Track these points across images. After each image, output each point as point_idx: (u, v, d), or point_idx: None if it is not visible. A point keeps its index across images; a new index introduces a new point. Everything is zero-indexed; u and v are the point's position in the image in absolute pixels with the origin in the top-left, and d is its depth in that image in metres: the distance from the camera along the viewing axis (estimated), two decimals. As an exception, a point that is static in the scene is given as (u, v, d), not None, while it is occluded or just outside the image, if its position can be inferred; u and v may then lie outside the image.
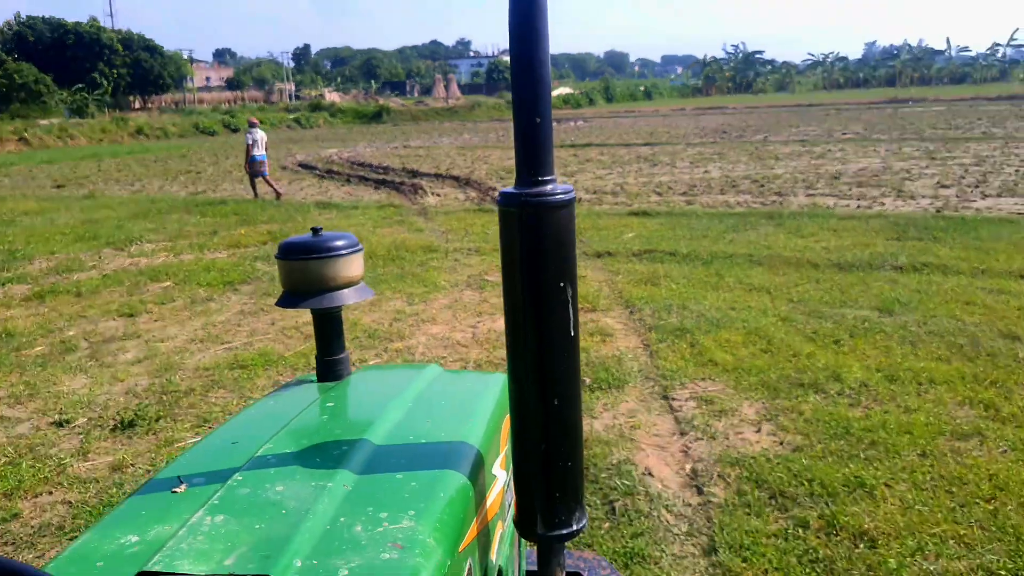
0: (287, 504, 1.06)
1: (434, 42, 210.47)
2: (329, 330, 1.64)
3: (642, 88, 79.28)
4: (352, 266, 1.55)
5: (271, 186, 14.73)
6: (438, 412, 1.49)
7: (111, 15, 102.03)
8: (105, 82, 60.52)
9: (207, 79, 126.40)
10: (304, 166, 20.73)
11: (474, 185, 15.23)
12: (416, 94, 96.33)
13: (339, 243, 1.54)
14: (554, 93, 69.59)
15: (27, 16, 62.19)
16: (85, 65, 59.62)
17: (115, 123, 39.06)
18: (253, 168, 14.64)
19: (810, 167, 15.56)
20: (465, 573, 1.13)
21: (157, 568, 0.90)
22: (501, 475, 1.45)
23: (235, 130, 43.31)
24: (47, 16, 61.85)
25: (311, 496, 1.08)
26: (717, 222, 9.77)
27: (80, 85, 54.61)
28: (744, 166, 16.28)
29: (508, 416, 1.27)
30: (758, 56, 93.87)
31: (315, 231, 1.55)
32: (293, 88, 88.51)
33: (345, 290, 1.55)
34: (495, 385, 1.66)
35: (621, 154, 20.64)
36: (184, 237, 10.60)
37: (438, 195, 14.14)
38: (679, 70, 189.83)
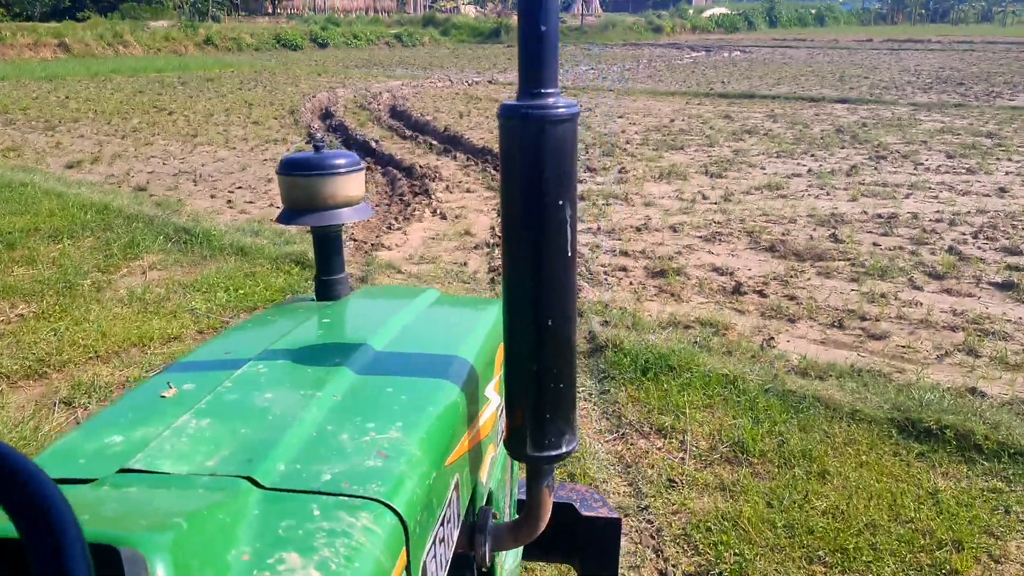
0: (274, 411, 1.06)
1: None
2: (328, 249, 1.60)
3: (813, 11, 66.56)
4: (353, 184, 1.52)
5: None
6: (434, 331, 1.49)
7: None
8: (234, -17, 57.35)
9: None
10: (325, 114, 13.85)
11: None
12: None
13: (340, 161, 1.50)
14: (705, 13, 59.30)
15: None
16: (213, -36, 56.15)
17: (183, 30, 33.35)
18: None
19: None
20: (452, 487, 1.13)
21: (138, 466, 0.91)
22: (495, 398, 1.43)
23: (323, 44, 36.96)
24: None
25: (299, 405, 1.08)
26: None
27: (203, -15, 51.24)
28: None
29: None
30: (958, -21, 77.99)
31: (317, 148, 1.50)
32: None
33: (345, 209, 1.52)
34: (492, 309, 1.62)
35: (805, 117, 12.68)
36: None
37: (447, 209, 7.03)
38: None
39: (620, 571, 1.91)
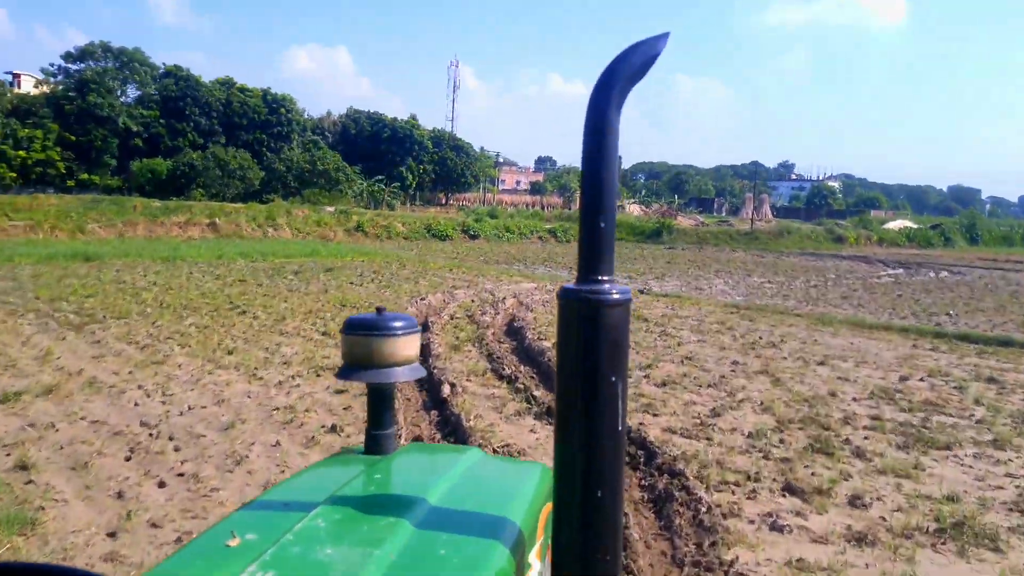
0: (336, 567, 1.08)
1: (754, 163, 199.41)
2: (381, 405, 1.66)
3: (1022, 231, 59.44)
4: (409, 346, 1.59)
5: None
6: (482, 493, 1.50)
7: (451, 119, 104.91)
8: (411, 176, 61.07)
9: (517, 182, 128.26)
10: (423, 326, 10.73)
11: None
12: (723, 213, 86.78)
13: (398, 324, 1.57)
14: (892, 224, 53.98)
15: (353, 109, 63.75)
16: (396, 159, 60.24)
17: (336, 216, 32.83)
18: None
19: None
20: None
21: None
22: (536, 564, 1.42)
23: (474, 236, 35.55)
24: (371, 111, 62.88)
25: (359, 561, 1.09)
26: None
27: (380, 176, 54.60)
28: None
29: (547, 505, 1.37)
30: None
31: (379, 310, 1.60)
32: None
33: (400, 368, 1.59)
34: (535, 473, 1.65)
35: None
36: None
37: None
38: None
39: None
